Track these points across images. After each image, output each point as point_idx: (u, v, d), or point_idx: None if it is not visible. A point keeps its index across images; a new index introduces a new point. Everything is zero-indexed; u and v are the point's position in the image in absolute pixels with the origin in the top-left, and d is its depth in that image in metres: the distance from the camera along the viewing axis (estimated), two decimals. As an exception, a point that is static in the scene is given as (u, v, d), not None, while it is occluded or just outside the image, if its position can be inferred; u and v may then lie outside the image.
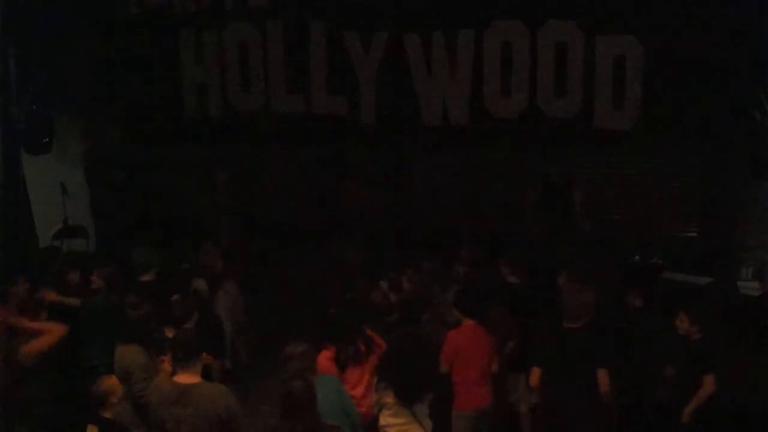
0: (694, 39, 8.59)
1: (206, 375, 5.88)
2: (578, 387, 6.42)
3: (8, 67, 9.38)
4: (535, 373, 6.71)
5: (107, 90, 10.64)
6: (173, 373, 5.58)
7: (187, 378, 5.44)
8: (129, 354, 6.35)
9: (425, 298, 7.66)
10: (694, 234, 9.69)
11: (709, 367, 6.51)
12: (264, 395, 7.52)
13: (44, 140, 9.65)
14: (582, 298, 6.72)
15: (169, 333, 6.63)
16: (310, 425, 5.21)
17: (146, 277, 7.90)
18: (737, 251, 9.19)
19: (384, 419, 6.21)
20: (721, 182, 9.31)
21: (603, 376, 6.43)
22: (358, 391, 6.46)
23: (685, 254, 9.30)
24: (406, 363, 6.20)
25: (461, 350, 6.70)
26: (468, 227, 9.74)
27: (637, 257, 9.41)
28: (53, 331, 6.43)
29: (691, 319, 6.63)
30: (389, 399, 6.14)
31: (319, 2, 9.97)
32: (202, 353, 5.58)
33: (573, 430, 6.47)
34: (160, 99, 10.64)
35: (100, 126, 11.05)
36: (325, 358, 6.40)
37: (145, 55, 10.50)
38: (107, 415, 5.64)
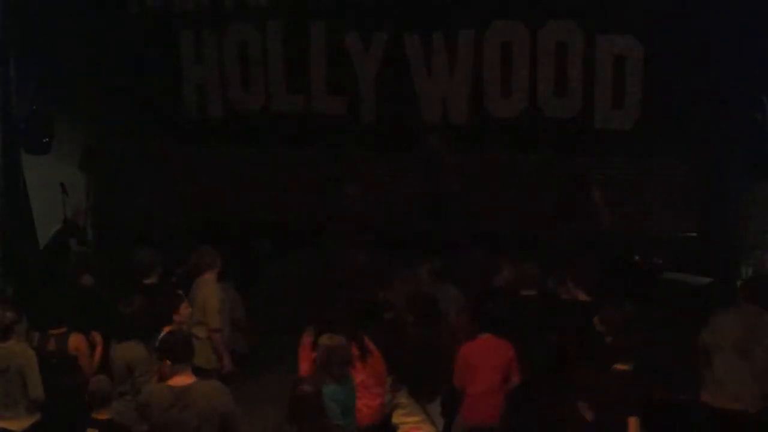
0: (694, 39, 8.59)
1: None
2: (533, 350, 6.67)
3: (8, 67, 9.38)
4: None
5: (107, 90, 10.62)
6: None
7: (181, 380, 5.45)
8: (129, 350, 6.39)
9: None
10: (694, 234, 9.66)
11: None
12: (263, 394, 7.51)
13: (44, 140, 9.64)
14: (527, 270, 7.39)
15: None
16: (316, 428, 5.20)
17: (150, 280, 7.88)
18: (737, 251, 9.18)
19: (397, 418, 6.24)
20: (721, 182, 9.29)
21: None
22: None
23: (685, 254, 9.28)
24: (421, 363, 6.20)
25: (471, 365, 6.51)
26: (467, 228, 9.73)
27: (637, 257, 9.40)
28: None
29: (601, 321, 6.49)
30: (403, 399, 6.16)
31: (319, 2, 9.97)
32: (193, 353, 5.60)
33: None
34: (159, 99, 10.63)
35: (100, 126, 11.02)
36: (307, 343, 6.42)
37: (145, 55, 10.49)
38: (105, 416, 5.64)
